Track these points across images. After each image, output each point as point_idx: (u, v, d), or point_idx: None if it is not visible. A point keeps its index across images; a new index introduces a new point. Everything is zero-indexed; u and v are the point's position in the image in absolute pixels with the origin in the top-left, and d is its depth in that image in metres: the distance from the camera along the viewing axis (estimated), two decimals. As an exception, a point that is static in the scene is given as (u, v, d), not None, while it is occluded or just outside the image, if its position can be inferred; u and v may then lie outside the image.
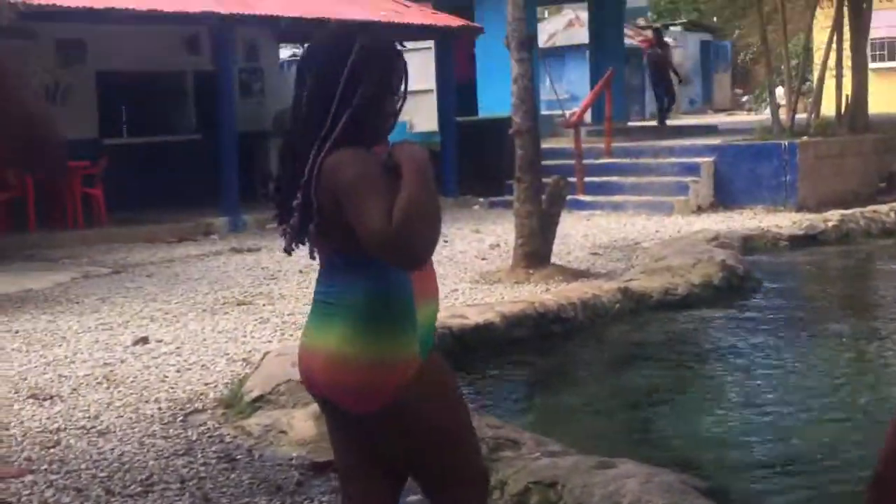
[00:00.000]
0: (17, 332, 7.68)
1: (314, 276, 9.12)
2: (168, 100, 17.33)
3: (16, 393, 5.96)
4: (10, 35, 12.23)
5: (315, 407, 4.96)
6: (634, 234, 12.35)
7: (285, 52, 26.16)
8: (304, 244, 2.70)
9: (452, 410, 2.74)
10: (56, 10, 12.13)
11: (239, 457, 4.80)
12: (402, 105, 2.73)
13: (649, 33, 29.52)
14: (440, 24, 16.78)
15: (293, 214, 2.64)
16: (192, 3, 13.88)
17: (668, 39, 20.83)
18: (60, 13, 12.45)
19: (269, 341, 7.15)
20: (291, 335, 7.32)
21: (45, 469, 4.64)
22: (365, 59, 2.64)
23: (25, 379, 6.28)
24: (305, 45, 2.76)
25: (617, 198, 15.14)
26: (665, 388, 6.32)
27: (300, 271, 10.18)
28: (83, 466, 4.67)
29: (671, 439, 5.32)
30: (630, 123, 22.37)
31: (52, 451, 4.92)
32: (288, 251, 2.77)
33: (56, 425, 5.32)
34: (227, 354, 6.80)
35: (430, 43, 18.04)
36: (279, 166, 2.74)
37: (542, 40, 27.34)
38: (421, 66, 17.53)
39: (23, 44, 14.26)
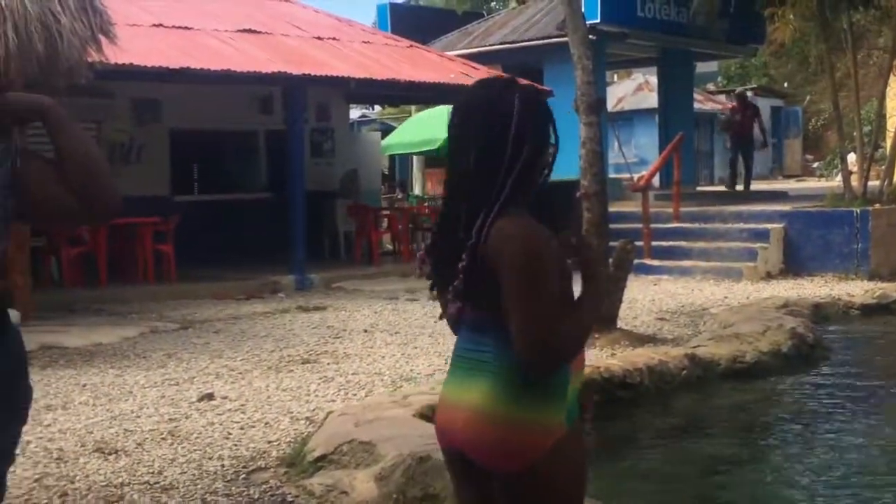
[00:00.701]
0: (84, 385, 7.76)
1: (379, 335, 9.18)
2: (240, 158, 17.61)
3: (82, 446, 6.01)
4: (87, 94, 12.53)
5: (377, 468, 4.94)
6: (702, 300, 12.22)
7: (355, 113, 26.50)
8: (465, 305, 2.63)
9: (580, 487, 2.67)
10: (132, 69, 12.38)
11: (300, 516, 4.78)
12: (555, 156, 2.68)
13: (724, 97, 29.46)
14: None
15: (456, 277, 2.57)
16: (264, 65, 14.11)
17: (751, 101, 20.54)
18: (136, 73, 12.71)
19: (333, 400, 7.15)
20: (355, 394, 7.33)
21: (108, 524, 4.66)
22: (527, 113, 2.59)
23: (91, 433, 6.32)
24: (457, 104, 2.69)
25: (685, 262, 15.02)
26: (732, 457, 6.20)
27: (365, 331, 10.22)
28: (144, 522, 4.68)
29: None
30: (698, 188, 22.25)
31: (115, 505, 4.94)
32: (448, 316, 2.69)
33: (120, 480, 5.34)
34: (291, 413, 6.80)
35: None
36: (437, 229, 2.68)
37: (611, 104, 27.40)
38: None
39: (100, 102, 14.62)
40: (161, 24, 14.67)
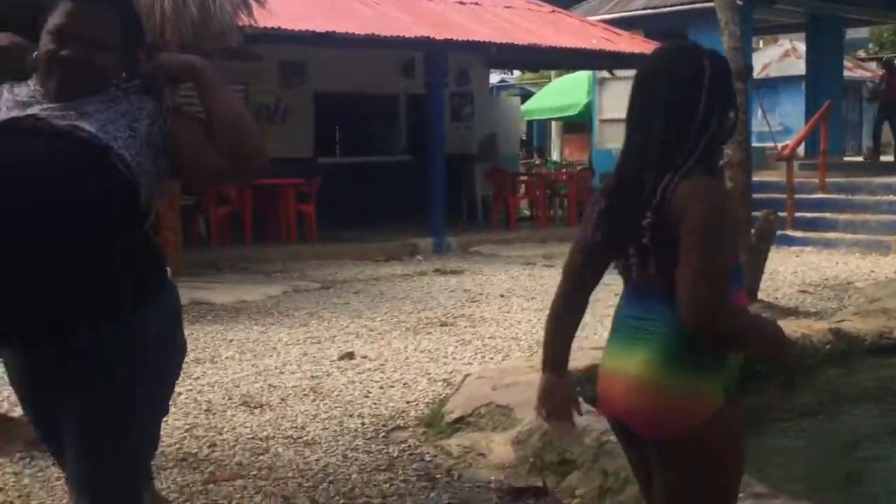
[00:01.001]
0: (231, 341, 8.01)
1: (515, 300, 9.19)
2: (381, 121, 17.80)
3: (229, 399, 6.22)
4: (236, 56, 12.82)
5: (514, 432, 5.00)
6: (847, 274, 11.92)
7: (494, 77, 26.49)
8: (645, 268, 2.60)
9: (736, 460, 2.65)
10: (280, 33, 12.63)
11: (438, 476, 4.87)
12: (736, 121, 2.68)
13: (875, 65, 28.48)
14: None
15: (641, 236, 2.54)
16: (408, 29, 14.22)
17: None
18: (284, 36, 12.95)
19: (470, 363, 7.23)
20: (492, 358, 7.40)
21: (255, 475, 4.82)
22: (717, 76, 2.58)
23: (238, 386, 6.54)
24: (642, 69, 2.68)
25: (829, 235, 14.65)
26: (876, 434, 6.07)
27: (501, 295, 10.29)
28: (290, 475, 4.83)
29: (881, 489, 5.11)
30: (845, 159, 21.64)
31: (261, 457, 5.10)
32: (630, 271, 2.64)
33: (265, 433, 5.52)
34: (429, 374, 6.91)
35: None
36: (612, 193, 2.65)
37: (757, 71, 26.76)
38: (631, 94, 17.43)
39: (248, 65, 14.94)
40: (306, -11, 14.89)
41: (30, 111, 2.51)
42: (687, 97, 2.56)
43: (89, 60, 2.52)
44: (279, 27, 12.40)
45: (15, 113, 2.51)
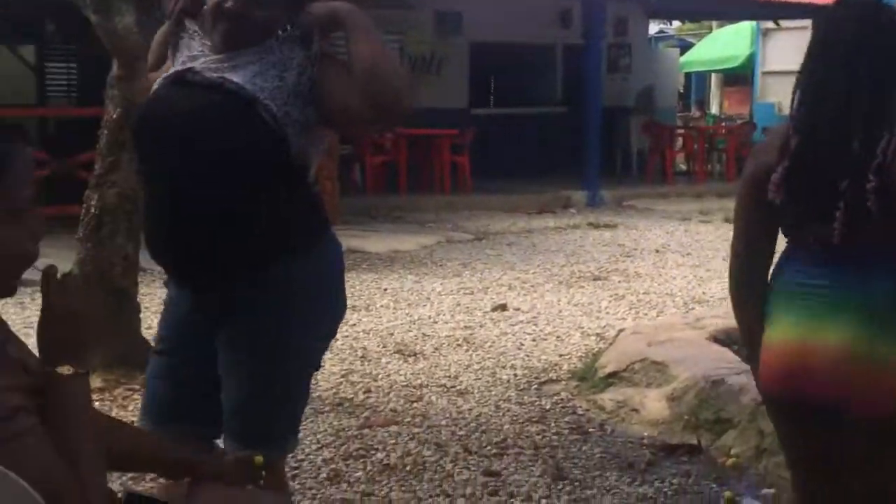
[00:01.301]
0: (385, 289, 8.13)
1: (670, 256, 9.04)
2: (536, 72, 17.66)
3: (383, 347, 6.32)
4: (391, 5, 12.89)
5: (669, 389, 4.95)
6: None
7: (652, 28, 26.00)
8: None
9: None
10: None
11: (591, 430, 4.86)
12: None
13: None
14: (820, 2, 16.07)
15: (857, 200, 2.40)
16: (566, -22, 14.06)
17: None
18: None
19: (623, 318, 7.18)
20: (646, 314, 7.33)
21: (409, 422, 4.89)
22: None
23: (392, 335, 6.63)
24: (827, 18, 2.57)
25: None
26: None
27: (656, 251, 10.16)
28: (443, 423, 4.88)
29: None
30: None
31: (415, 405, 5.17)
32: (830, 236, 2.45)
33: (419, 381, 5.59)
34: (582, 328, 6.88)
35: (808, 22, 17.35)
36: (801, 151, 2.50)
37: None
38: (798, 45, 16.91)
39: (403, 14, 15.00)
40: (466, -62, 14.85)
41: (191, 64, 2.58)
42: (889, 55, 2.44)
43: (250, 13, 2.54)
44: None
45: (181, 66, 2.60)
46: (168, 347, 2.72)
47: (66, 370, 1.69)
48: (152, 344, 2.92)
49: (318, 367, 2.80)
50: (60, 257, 3.19)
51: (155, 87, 2.65)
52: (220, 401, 2.63)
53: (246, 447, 2.43)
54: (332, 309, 2.75)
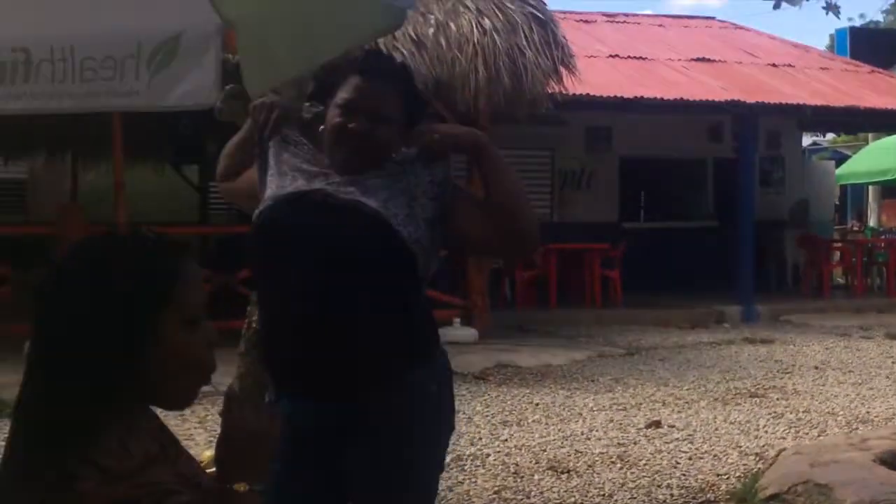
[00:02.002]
0: (537, 404, 8.07)
1: (830, 373, 8.76)
2: (687, 186, 17.58)
3: (536, 463, 6.26)
4: (543, 122, 13.06)
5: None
6: None
7: (805, 140, 25.65)
8: None
9: None
10: (588, 99, 12.76)
11: (751, 555, 4.70)
12: None
13: None
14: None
15: None
16: (717, 93, 14.04)
17: None
18: (592, 103, 13.08)
19: (783, 438, 6.97)
20: (806, 433, 7.10)
21: (563, 541, 4.82)
22: None
23: (545, 450, 6.57)
24: None
25: None
26: None
27: (815, 367, 9.88)
28: (598, 543, 4.80)
29: None
30: None
31: (569, 524, 5.10)
32: None
33: (573, 499, 5.51)
34: (740, 447, 6.70)
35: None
36: None
37: None
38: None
39: (554, 130, 15.17)
40: (617, 55, 15.04)
41: (317, 183, 2.64)
42: None
43: (374, 133, 2.62)
44: (587, 93, 12.53)
45: (301, 182, 2.65)
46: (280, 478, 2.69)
47: (240, 487, 1.72)
48: None
49: (443, 469, 2.89)
50: (220, 371, 3.25)
51: (269, 202, 2.68)
52: None
53: None
54: (451, 413, 2.82)
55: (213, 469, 1.79)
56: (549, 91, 10.81)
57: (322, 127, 2.71)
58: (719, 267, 15.23)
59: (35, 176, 17.18)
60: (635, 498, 5.57)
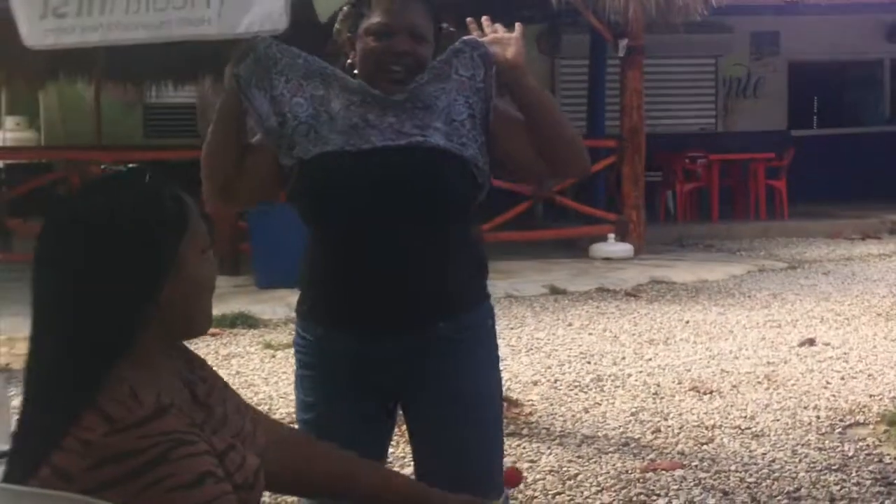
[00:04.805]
0: (687, 322, 7.87)
1: None
2: (861, 90, 16.77)
3: (678, 384, 6.09)
4: (705, 29, 12.61)
5: None
6: None
7: None
8: None
9: None
10: (749, 4, 12.25)
11: (897, 482, 4.47)
12: None
13: None
14: None
15: None
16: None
17: None
18: (756, 7, 12.54)
19: (951, 356, 6.61)
20: (974, 351, 6.72)
21: (696, 466, 4.66)
22: None
23: (689, 370, 6.40)
24: None
25: None
26: None
27: None
28: (732, 468, 4.62)
29: None
30: None
31: (704, 447, 4.94)
32: None
33: (712, 421, 5.34)
34: (897, 366, 6.39)
35: None
36: None
37: None
38: None
39: (717, 37, 14.65)
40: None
41: (371, 116, 2.48)
42: None
43: (416, 51, 2.50)
44: (748, -2, 12.02)
45: (356, 119, 2.48)
46: (320, 414, 2.61)
47: None
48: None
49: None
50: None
51: (324, 150, 2.49)
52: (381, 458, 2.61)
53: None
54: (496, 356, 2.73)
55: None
56: (704, -2, 10.40)
57: (349, 60, 2.58)
58: (894, 174, 14.54)
59: (204, 99, 17.64)
60: (779, 420, 5.35)
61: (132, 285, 1.61)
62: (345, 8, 2.62)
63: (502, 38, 2.55)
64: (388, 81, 2.49)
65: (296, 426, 2.67)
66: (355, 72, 2.55)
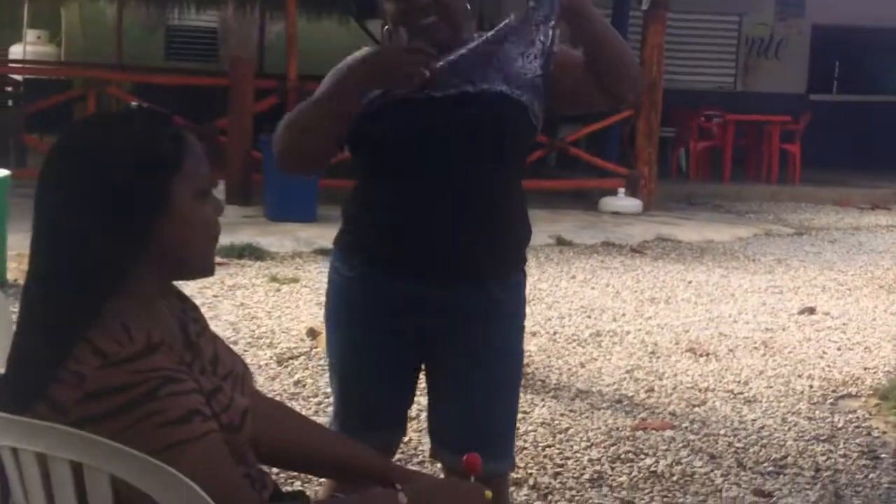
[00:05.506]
0: (689, 282, 7.92)
1: None
2: (885, 57, 16.64)
3: (676, 344, 6.16)
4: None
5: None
6: None
7: None
8: None
9: None
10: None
11: (883, 455, 4.53)
12: None
13: None
14: None
15: None
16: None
17: None
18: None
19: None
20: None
21: (686, 427, 4.74)
22: None
23: (687, 331, 6.46)
24: None
25: None
26: None
27: None
28: (722, 432, 4.70)
29: None
30: None
31: (696, 409, 5.01)
32: None
33: (706, 384, 5.41)
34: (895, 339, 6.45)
35: None
36: None
37: None
38: None
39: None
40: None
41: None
42: None
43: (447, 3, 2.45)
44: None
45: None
46: (362, 350, 2.63)
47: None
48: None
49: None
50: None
51: (392, 108, 2.48)
52: (403, 407, 2.65)
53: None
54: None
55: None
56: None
57: (385, 27, 2.54)
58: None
59: (225, 24, 17.58)
60: (772, 387, 5.43)
61: (119, 220, 1.63)
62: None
63: None
64: (420, 36, 2.43)
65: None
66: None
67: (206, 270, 1.78)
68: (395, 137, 2.48)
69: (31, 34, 16.81)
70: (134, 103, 1.88)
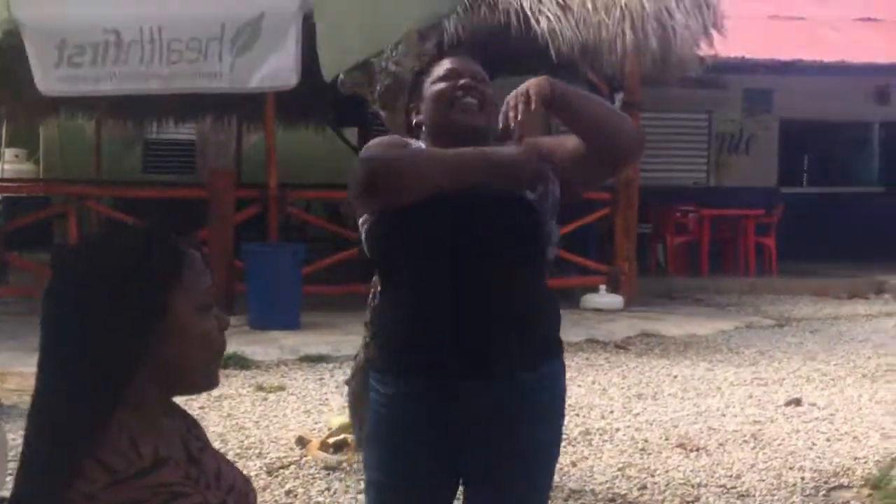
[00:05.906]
0: (675, 377, 7.94)
1: None
2: (851, 150, 16.96)
3: (665, 440, 6.16)
4: (699, 85, 12.77)
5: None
6: None
7: None
8: None
9: None
10: (745, 63, 12.43)
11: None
12: None
13: None
14: None
15: None
16: (882, 54, 13.45)
17: None
18: (749, 65, 12.72)
19: (936, 420, 6.68)
20: (957, 416, 6.80)
21: (681, 523, 4.74)
22: None
23: (676, 426, 6.46)
24: None
25: None
26: None
27: (978, 344, 9.43)
28: (717, 527, 4.70)
29: None
30: None
31: (690, 505, 5.01)
32: None
33: (699, 479, 5.40)
34: (883, 429, 6.46)
35: None
36: None
37: None
38: None
39: (711, 93, 14.82)
40: (777, 16, 14.54)
41: None
42: None
43: (482, 89, 2.65)
44: (743, 56, 12.21)
45: None
46: (398, 479, 2.66)
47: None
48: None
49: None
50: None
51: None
52: None
53: None
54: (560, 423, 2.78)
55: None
56: (700, 54, 10.55)
57: (416, 119, 2.71)
58: (883, 235, 14.69)
59: (203, 137, 17.75)
60: (764, 480, 5.43)
61: (117, 335, 1.63)
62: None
63: (522, 97, 2.54)
64: (461, 112, 2.62)
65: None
66: (423, 129, 2.69)
67: (209, 384, 1.77)
68: (416, 232, 2.55)
69: (8, 153, 16.93)
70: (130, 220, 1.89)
